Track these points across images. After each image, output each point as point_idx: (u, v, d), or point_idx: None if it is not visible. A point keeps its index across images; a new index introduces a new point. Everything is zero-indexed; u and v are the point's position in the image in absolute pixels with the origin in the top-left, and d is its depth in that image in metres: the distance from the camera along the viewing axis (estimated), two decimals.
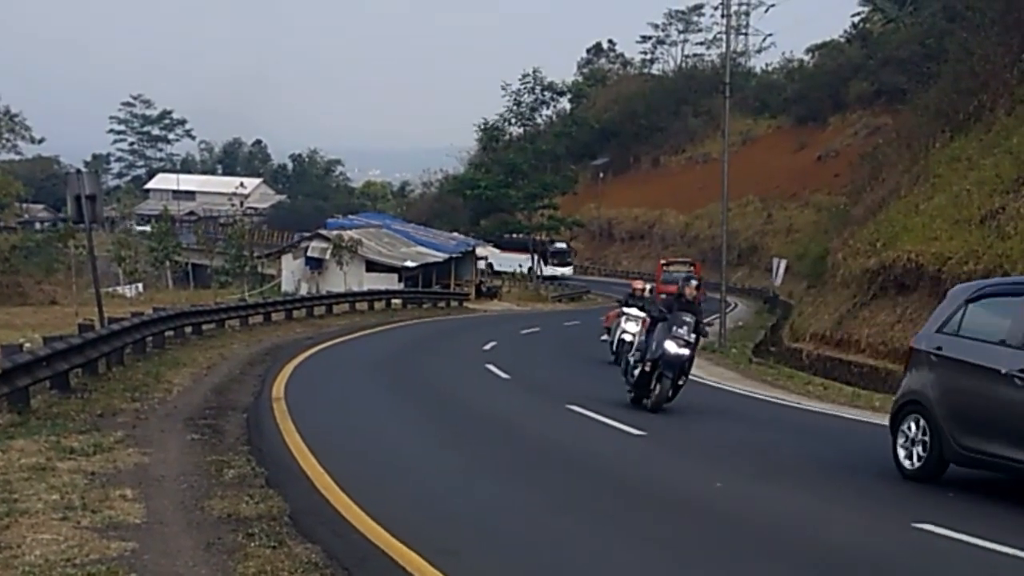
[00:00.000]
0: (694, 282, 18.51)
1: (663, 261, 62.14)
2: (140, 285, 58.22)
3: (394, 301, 48.59)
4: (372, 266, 56.28)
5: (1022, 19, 33.43)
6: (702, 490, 11.46)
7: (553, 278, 76.61)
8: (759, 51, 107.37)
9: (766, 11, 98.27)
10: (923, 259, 25.49)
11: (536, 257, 76.31)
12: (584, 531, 9.68)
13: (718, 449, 14.82)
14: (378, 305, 46.06)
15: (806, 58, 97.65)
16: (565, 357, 29.21)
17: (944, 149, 33.23)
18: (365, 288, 50.06)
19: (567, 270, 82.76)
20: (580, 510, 10.53)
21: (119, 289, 56.27)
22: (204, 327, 28.90)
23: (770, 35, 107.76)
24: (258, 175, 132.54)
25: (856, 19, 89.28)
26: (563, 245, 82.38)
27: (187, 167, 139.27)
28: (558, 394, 19.75)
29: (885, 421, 17.46)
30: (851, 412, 19.09)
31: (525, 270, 76.66)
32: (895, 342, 24.72)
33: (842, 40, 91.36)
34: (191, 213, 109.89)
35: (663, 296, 55.01)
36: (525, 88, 76.52)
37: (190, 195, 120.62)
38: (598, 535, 9.54)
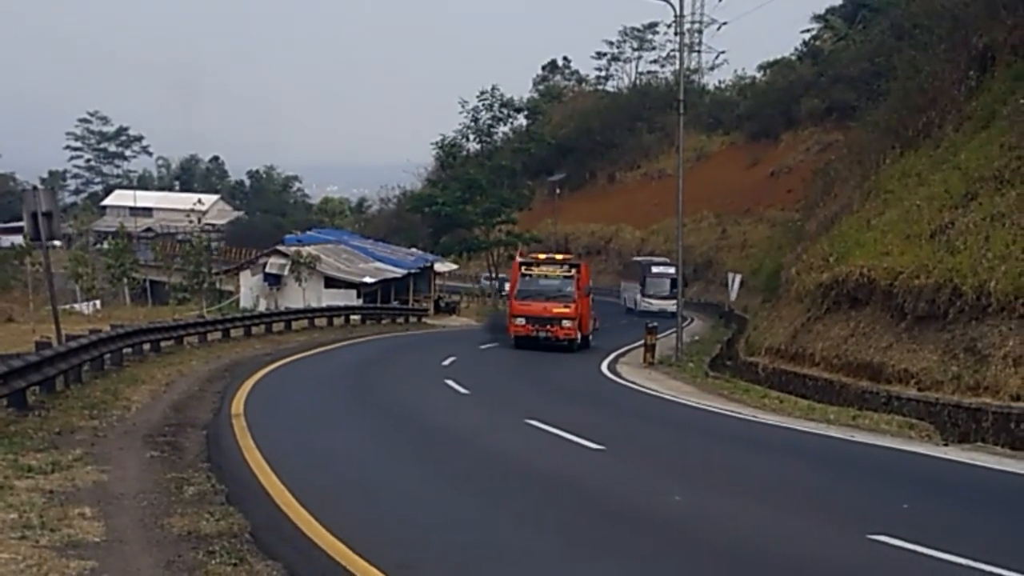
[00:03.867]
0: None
1: (519, 258, 41.21)
2: (97, 302, 57.63)
3: (353, 317, 48.43)
4: (331, 282, 56.05)
5: (968, 37, 33.90)
6: (661, 503, 11.59)
7: (651, 314, 51.08)
8: (712, 68, 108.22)
9: (718, 29, 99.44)
10: (875, 273, 25.76)
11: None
12: (544, 545, 9.78)
13: (676, 462, 14.98)
14: (337, 321, 45.91)
15: (758, 75, 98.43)
16: (523, 372, 29.29)
17: (894, 165, 33.63)
18: (324, 304, 49.85)
19: (671, 304, 51.30)
20: (540, 524, 10.63)
21: (76, 306, 55.67)
22: (162, 344, 28.71)
23: (722, 52, 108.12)
24: (215, 191, 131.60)
25: (807, 36, 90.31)
26: (669, 268, 59.92)
27: (144, 184, 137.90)
28: (517, 409, 19.84)
29: (840, 434, 17.82)
30: (806, 425, 19.30)
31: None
32: (849, 355, 24.99)
33: (793, 57, 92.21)
34: (148, 230, 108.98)
35: (519, 322, 35.93)
36: (482, 105, 76.68)
37: (147, 212, 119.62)
38: (558, 549, 9.65)
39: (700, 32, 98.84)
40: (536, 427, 17.33)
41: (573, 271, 37.33)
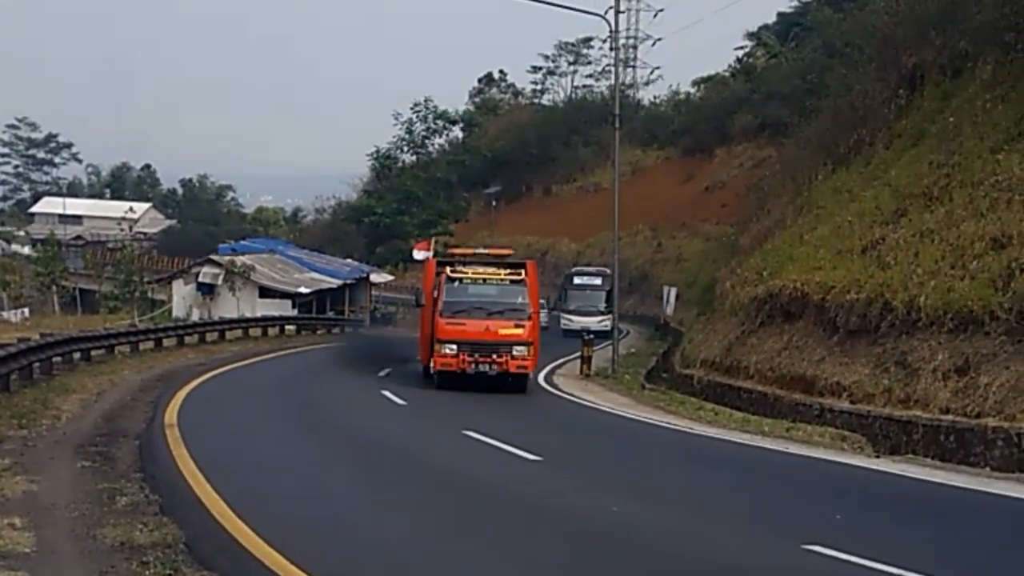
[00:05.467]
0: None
1: (419, 252, 33.82)
2: (26, 310, 56.75)
3: (288, 327, 48.18)
4: (265, 292, 55.74)
5: (898, 56, 34.47)
6: (598, 514, 11.63)
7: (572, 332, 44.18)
8: (647, 83, 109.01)
9: (653, 44, 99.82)
10: (808, 288, 26.02)
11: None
12: (480, 556, 9.79)
13: (613, 474, 15.05)
14: (272, 331, 45.60)
15: (692, 91, 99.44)
16: (460, 383, 29.19)
17: (826, 181, 34.03)
18: (258, 314, 49.57)
19: (599, 322, 47.19)
20: (477, 534, 10.64)
21: (3, 314, 54.81)
22: (93, 353, 28.34)
23: (657, 68, 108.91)
24: (147, 200, 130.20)
25: (740, 54, 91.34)
26: (595, 280, 53.97)
27: (74, 191, 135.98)
28: (454, 420, 19.84)
29: (774, 446, 18.02)
30: (741, 437, 19.44)
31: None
32: (782, 368, 25.21)
33: (727, 74, 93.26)
34: (78, 237, 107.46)
35: (448, 352, 25.19)
36: (417, 117, 76.76)
37: (77, 219, 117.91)
38: (494, 559, 9.67)
39: (635, 48, 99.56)
40: (473, 438, 17.34)
41: (521, 273, 26.90)
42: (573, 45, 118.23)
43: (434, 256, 30.73)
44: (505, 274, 26.81)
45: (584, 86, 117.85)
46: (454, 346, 25.27)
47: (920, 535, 10.96)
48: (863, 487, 14.28)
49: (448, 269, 26.76)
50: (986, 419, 17.16)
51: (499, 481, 13.82)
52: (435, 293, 26.54)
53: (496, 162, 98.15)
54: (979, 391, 17.94)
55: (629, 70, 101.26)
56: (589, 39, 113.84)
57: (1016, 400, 16.97)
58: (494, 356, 25.27)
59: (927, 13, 34.04)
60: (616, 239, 39.96)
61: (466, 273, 26.51)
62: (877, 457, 17.14)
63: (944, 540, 10.77)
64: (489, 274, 26.72)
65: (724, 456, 17.39)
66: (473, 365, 25.26)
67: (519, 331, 25.49)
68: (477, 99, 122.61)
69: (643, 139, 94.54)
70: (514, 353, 25.30)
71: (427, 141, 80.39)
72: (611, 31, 39.14)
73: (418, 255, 30.34)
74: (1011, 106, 25.51)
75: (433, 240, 34.73)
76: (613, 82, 46.93)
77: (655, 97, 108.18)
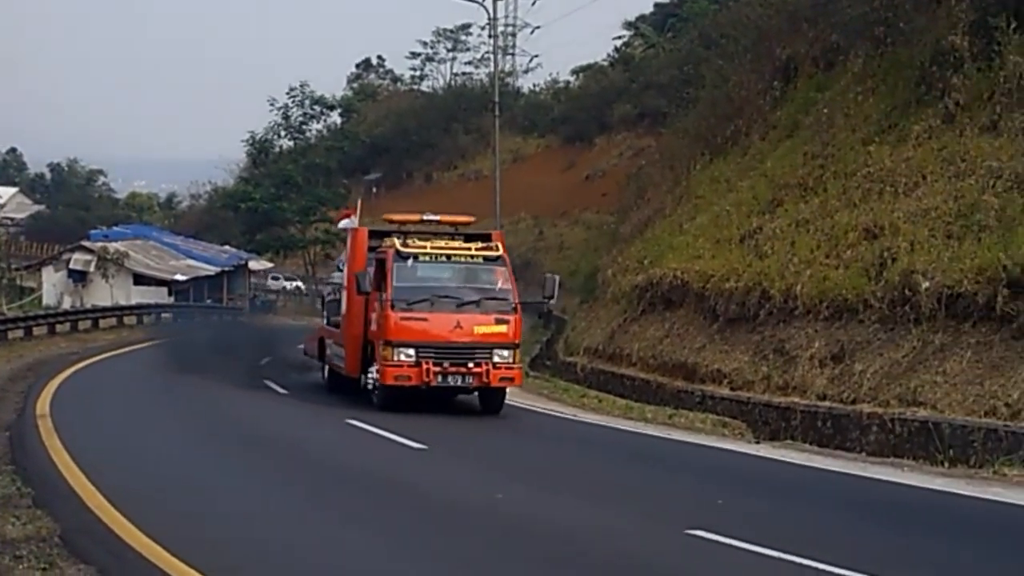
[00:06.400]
0: None
1: (346, 220, 23.70)
2: None
3: (164, 315, 47.36)
4: (140, 279, 54.80)
5: (772, 48, 35.09)
6: (483, 501, 11.63)
7: None
8: (526, 71, 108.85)
9: (532, 32, 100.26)
10: (688, 276, 26.39)
11: None
12: (366, 544, 9.74)
13: (498, 461, 15.11)
14: (148, 319, 44.77)
15: (572, 79, 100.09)
16: None
17: (704, 171, 34.52)
18: (133, 302, 48.61)
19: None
20: (362, 524, 10.57)
21: None
22: None
23: (536, 56, 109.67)
24: (14, 184, 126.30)
25: (618, 43, 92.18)
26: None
27: None
28: (337, 409, 19.62)
29: (657, 432, 18.25)
30: (625, 424, 19.65)
31: None
32: (664, 356, 25.55)
33: (605, 63, 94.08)
34: None
35: (403, 359, 18.37)
36: (293, 102, 75.85)
37: None
38: (381, 548, 9.61)
39: (514, 35, 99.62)
40: (357, 427, 17.21)
41: (496, 247, 20.20)
42: (451, 32, 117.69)
43: (345, 222, 23.49)
44: (476, 249, 19.99)
45: (463, 73, 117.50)
46: (412, 351, 18.52)
47: (799, 518, 11.20)
48: (744, 472, 14.55)
49: (396, 242, 19.47)
50: (861, 405, 17.66)
51: (385, 469, 13.75)
52: (369, 274, 19.80)
53: (376, 148, 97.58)
54: (854, 378, 18.44)
55: (508, 58, 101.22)
56: (467, 26, 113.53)
57: (889, 386, 17.48)
58: (469, 365, 18.74)
59: (800, 6, 34.76)
60: (499, 227, 40.05)
61: (423, 247, 19.41)
62: (757, 443, 17.44)
63: (821, 523, 11.01)
64: (454, 249, 19.92)
65: (608, 443, 17.55)
66: (440, 377, 18.66)
67: (502, 328, 19.02)
68: (355, 85, 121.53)
69: (523, 127, 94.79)
70: (496, 360, 18.84)
71: (304, 127, 79.56)
72: (490, 18, 39.36)
73: (345, 224, 23.04)
74: (881, 99, 26.23)
75: (360, 203, 26.08)
76: (492, 69, 47.07)
77: (535, 85, 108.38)
